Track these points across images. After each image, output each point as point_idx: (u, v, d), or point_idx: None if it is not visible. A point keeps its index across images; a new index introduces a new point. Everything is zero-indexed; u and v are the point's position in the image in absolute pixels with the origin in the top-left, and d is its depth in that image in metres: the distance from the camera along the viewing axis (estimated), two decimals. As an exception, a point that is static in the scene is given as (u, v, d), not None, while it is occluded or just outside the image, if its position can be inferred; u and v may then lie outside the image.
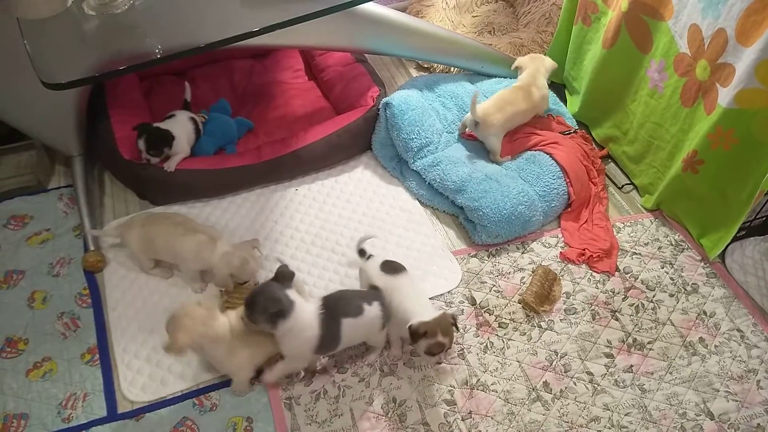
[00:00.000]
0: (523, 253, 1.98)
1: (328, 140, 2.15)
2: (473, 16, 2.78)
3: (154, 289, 1.84)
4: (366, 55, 2.52)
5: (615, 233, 2.04)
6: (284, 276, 1.50)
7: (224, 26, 1.70)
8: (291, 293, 1.48)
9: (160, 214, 1.92)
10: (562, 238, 2.02)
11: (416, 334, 1.50)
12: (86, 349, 1.72)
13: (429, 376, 1.66)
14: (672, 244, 2.02)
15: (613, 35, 2.10)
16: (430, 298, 1.82)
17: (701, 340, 1.77)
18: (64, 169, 2.21)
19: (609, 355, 1.73)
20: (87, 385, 1.64)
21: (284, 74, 2.56)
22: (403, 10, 2.75)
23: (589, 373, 1.69)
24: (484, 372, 1.68)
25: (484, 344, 1.74)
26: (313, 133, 2.15)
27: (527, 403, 1.62)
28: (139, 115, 2.16)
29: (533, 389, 1.65)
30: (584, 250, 1.96)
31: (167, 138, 1.97)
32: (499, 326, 1.78)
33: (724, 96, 1.74)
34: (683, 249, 2.01)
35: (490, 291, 1.87)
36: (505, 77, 2.41)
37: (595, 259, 1.94)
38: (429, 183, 2.10)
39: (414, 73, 2.68)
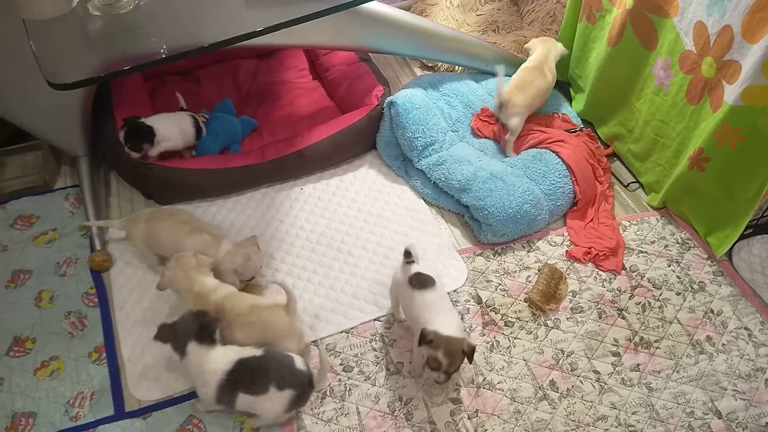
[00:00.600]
0: (528, 251, 1.97)
1: (332, 139, 2.15)
2: (477, 15, 2.78)
3: (160, 289, 1.84)
4: (370, 54, 2.51)
5: (621, 231, 2.04)
6: None
7: (228, 26, 1.70)
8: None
9: (167, 210, 1.93)
10: (568, 237, 2.02)
11: (422, 338, 1.48)
12: (93, 348, 1.72)
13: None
14: (678, 243, 2.02)
15: (618, 33, 2.09)
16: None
17: (708, 338, 1.76)
18: (70, 169, 2.22)
19: (616, 354, 1.72)
20: (94, 383, 1.65)
21: (289, 74, 2.56)
22: (408, 9, 2.75)
23: (596, 372, 1.68)
24: (490, 371, 1.67)
25: (491, 343, 1.74)
26: (317, 133, 2.15)
27: (534, 401, 1.62)
28: (145, 114, 2.15)
29: (540, 388, 1.64)
30: (590, 248, 1.95)
31: (147, 134, 1.96)
32: (505, 325, 1.78)
33: (731, 93, 1.74)
34: (690, 247, 2.00)
35: (496, 290, 1.86)
36: (509, 76, 2.40)
37: (601, 258, 1.94)
38: (434, 182, 2.10)
39: (418, 72, 2.68)
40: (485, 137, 2.22)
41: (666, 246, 2.01)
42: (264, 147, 2.14)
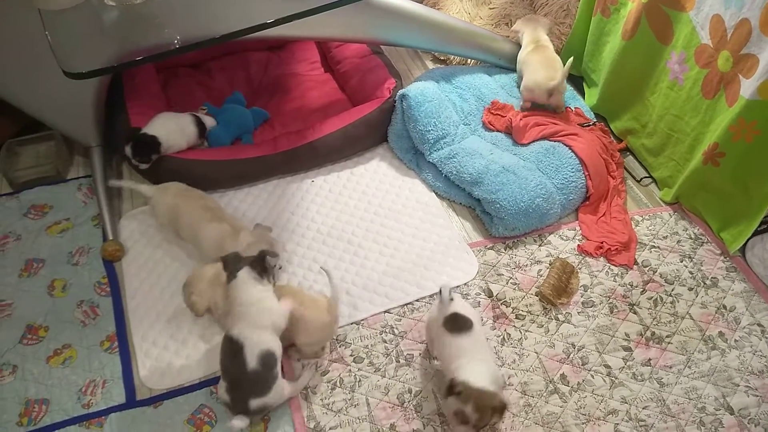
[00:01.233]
0: (540, 245, 1.97)
1: (344, 132, 2.15)
2: (490, 8, 2.76)
3: (172, 278, 1.85)
4: (382, 47, 2.51)
5: (633, 226, 2.03)
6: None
7: (241, 17, 1.71)
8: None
9: (197, 193, 1.90)
10: (580, 231, 2.01)
11: (450, 388, 1.37)
12: (105, 336, 1.73)
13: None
14: (691, 238, 2.00)
15: (632, 26, 2.07)
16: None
17: (721, 334, 1.75)
18: (83, 160, 2.23)
19: (627, 349, 1.71)
20: (106, 372, 1.66)
21: (300, 66, 2.57)
22: (420, 1, 2.74)
23: (607, 366, 1.67)
24: (501, 365, 1.67)
25: (501, 336, 1.73)
26: (329, 125, 2.15)
27: (545, 395, 1.61)
28: (156, 106, 2.17)
29: (550, 381, 1.64)
30: (602, 243, 1.94)
31: (153, 145, 1.95)
32: (516, 318, 1.77)
33: (747, 87, 1.72)
34: (703, 243, 1.99)
35: (507, 283, 1.86)
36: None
37: (613, 252, 1.93)
38: (445, 175, 2.09)
39: (430, 65, 2.67)
40: (497, 130, 2.21)
41: (679, 241, 1.99)
42: (276, 139, 2.14)
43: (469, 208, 2.09)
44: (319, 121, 2.18)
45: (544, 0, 2.74)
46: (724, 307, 1.82)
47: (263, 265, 1.53)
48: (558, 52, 2.48)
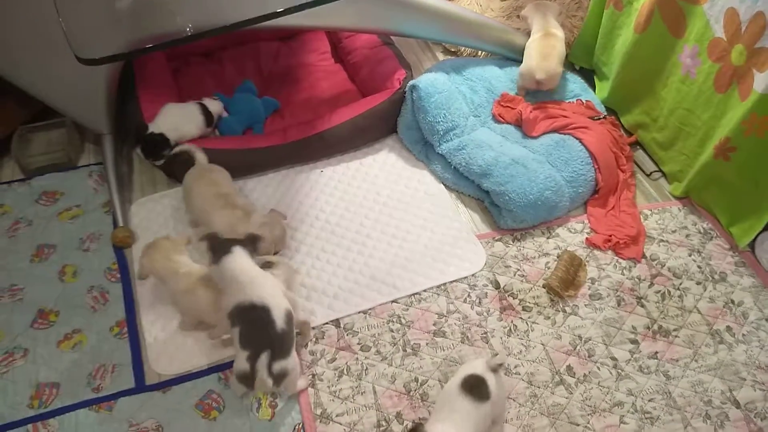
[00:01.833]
0: (548, 238, 1.97)
1: (353, 122, 2.15)
2: (502, 1, 2.75)
3: (181, 265, 1.86)
4: (392, 38, 2.51)
5: (642, 220, 2.02)
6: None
7: (254, 5, 1.71)
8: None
9: (216, 176, 1.89)
10: (588, 224, 2.01)
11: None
12: (115, 322, 1.75)
13: (451, 357, 1.67)
14: (700, 232, 2.00)
15: (645, 19, 2.06)
16: (452, 282, 1.83)
17: (728, 328, 1.75)
18: (94, 147, 2.25)
19: (634, 341, 1.72)
20: (116, 356, 1.67)
21: (311, 56, 2.57)
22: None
23: (613, 359, 1.68)
24: (507, 355, 1.67)
25: (508, 328, 1.74)
26: (338, 115, 2.16)
27: (551, 386, 1.62)
28: (167, 94, 2.18)
29: (557, 373, 1.64)
30: (611, 236, 1.94)
31: (162, 143, 1.96)
32: (523, 310, 1.78)
33: (761, 81, 1.70)
34: (712, 237, 1.98)
35: (515, 275, 1.86)
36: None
37: (621, 246, 1.92)
38: (454, 166, 2.09)
39: (440, 57, 2.67)
40: (507, 122, 2.21)
41: (687, 235, 1.99)
42: (285, 129, 2.15)
43: (477, 199, 2.09)
44: (329, 111, 2.18)
45: (556, -8, 2.72)
46: (732, 301, 1.81)
47: (255, 246, 1.57)
48: (569, 45, 2.47)
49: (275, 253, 1.80)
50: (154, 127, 1.97)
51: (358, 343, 1.69)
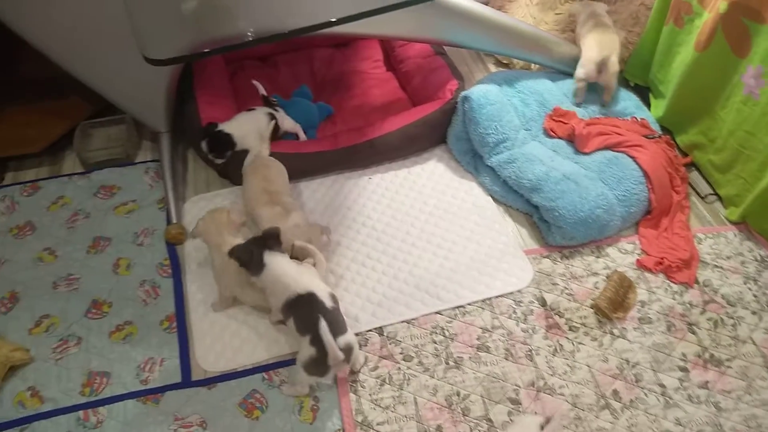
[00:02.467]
0: (597, 257, 1.93)
1: (404, 131, 2.16)
2: (556, 14, 2.72)
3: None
4: (445, 48, 2.51)
5: (696, 244, 1.97)
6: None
7: (313, 13, 1.73)
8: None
9: (270, 173, 1.94)
10: (640, 245, 1.97)
11: None
12: (165, 316, 1.79)
13: (494, 374, 1.65)
14: (757, 260, 1.93)
15: (707, 38, 2.01)
16: (498, 296, 1.82)
17: (785, 362, 1.69)
18: (151, 144, 2.31)
19: (683, 369, 1.67)
20: (164, 350, 1.71)
21: (363, 64, 2.59)
22: (485, 4, 2.72)
23: (662, 386, 1.64)
24: (551, 375, 1.65)
25: (553, 347, 1.71)
26: (389, 123, 2.17)
27: (595, 409, 1.59)
28: (224, 96, 2.23)
29: (602, 396, 1.61)
30: (662, 258, 1.90)
31: (227, 143, 2.00)
32: (569, 329, 1.75)
33: (830, 107, 1.65)
34: (769, 266, 1.92)
35: (562, 293, 1.83)
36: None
37: (673, 269, 1.88)
38: (503, 180, 2.08)
39: (492, 68, 2.66)
40: (558, 137, 2.18)
41: (743, 262, 1.93)
42: (336, 135, 2.17)
43: (525, 214, 2.07)
44: (380, 119, 2.20)
45: (613, 8, 2.68)
46: (790, 334, 1.75)
47: (277, 240, 1.62)
48: (623, 62, 2.43)
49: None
50: (225, 127, 2.01)
51: (401, 353, 1.70)
